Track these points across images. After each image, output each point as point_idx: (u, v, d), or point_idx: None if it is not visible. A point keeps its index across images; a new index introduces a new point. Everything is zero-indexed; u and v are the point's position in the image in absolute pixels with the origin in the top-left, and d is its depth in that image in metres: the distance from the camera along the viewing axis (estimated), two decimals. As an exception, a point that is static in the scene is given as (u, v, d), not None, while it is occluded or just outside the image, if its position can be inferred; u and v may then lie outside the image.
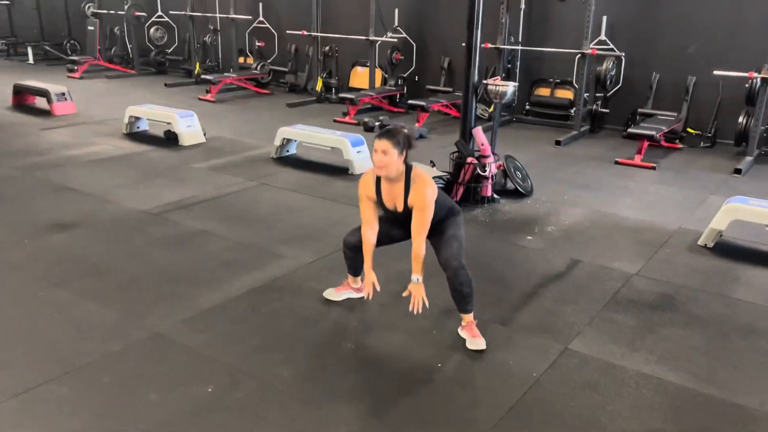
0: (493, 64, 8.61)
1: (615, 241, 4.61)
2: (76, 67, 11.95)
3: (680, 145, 7.54)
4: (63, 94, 8.54)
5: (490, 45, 8.25)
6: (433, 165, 5.41)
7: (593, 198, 5.60)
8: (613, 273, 4.07)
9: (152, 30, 12.58)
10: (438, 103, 8.61)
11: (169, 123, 7.14)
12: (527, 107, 8.92)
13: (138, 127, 7.61)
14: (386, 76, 9.93)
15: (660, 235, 4.73)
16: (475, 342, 3.15)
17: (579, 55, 7.92)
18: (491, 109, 8.55)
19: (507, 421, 2.65)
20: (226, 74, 10.65)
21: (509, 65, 8.75)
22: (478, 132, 5.26)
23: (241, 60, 11.50)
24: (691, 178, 6.29)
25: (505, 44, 8.41)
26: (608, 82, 7.99)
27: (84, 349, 3.08)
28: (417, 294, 3.10)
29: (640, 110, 7.92)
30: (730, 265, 4.23)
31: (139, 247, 4.33)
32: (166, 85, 11.11)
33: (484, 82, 5.45)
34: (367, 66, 9.83)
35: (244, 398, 2.75)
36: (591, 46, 7.75)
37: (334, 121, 8.56)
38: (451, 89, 9.32)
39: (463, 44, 5.25)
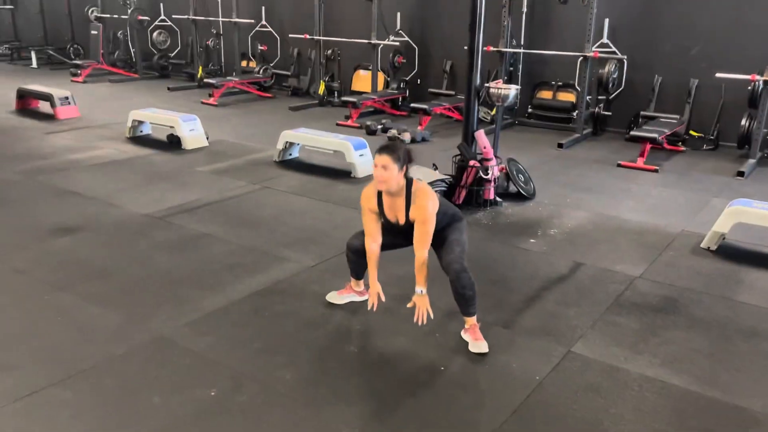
0: (495, 67, 8.63)
1: (618, 244, 4.61)
2: (79, 71, 12.00)
3: (683, 148, 7.53)
4: (66, 98, 8.57)
5: (492, 48, 8.26)
6: (436, 168, 5.42)
7: (596, 201, 5.59)
8: (616, 276, 4.07)
9: (155, 34, 12.62)
10: (440, 106, 8.61)
11: (172, 127, 7.15)
12: (529, 110, 8.92)
13: (141, 131, 7.62)
14: (388, 79, 9.95)
15: (663, 238, 4.72)
16: (478, 345, 3.15)
17: (581, 57, 7.92)
18: (493, 112, 8.56)
19: (510, 424, 2.65)
20: (228, 78, 10.67)
21: (511, 68, 8.76)
22: (481, 135, 5.26)
23: (243, 64, 11.53)
24: (694, 181, 6.29)
25: (507, 47, 8.43)
26: (610, 85, 7.99)
27: (87, 353, 3.09)
28: (421, 305, 3.12)
29: (642, 113, 7.92)
30: (733, 268, 4.22)
31: (143, 251, 4.34)
32: (169, 89, 11.14)
33: (487, 85, 5.45)
34: (370, 69, 9.84)
35: (246, 401, 2.75)
36: (593, 48, 7.75)
37: (337, 124, 8.58)
38: (453, 92, 9.32)
39: (465, 47, 5.26)
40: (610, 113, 8.27)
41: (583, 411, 2.73)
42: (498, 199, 5.41)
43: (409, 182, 3.07)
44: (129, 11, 12.14)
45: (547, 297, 3.77)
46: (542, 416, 2.70)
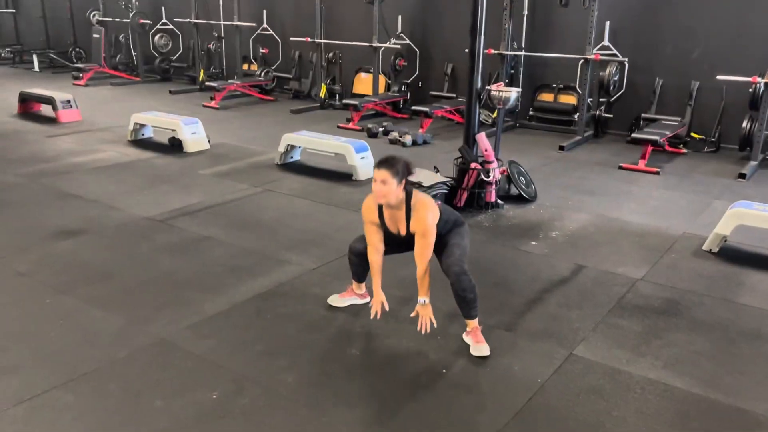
0: (497, 70, 8.63)
1: (619, 247, 4.61)
2: (81, 75, 12.02)
3: (684, 150, 7.53)
4: (68, 101, 8.59)
5: (493, 51, 8.26)
6: (437, 171, 5.42)
7: (597, 203, 5.59)
8: (617, 278, 4.07)
9: (157, 37, 12.65)
10: (441, 109, 8.63)
11: (173, 130, 7.17)
12: (530, 113, 8.91)
13: (143, 134, 7.64)
14: (390, 82, 9.96)
15: (665, 240, 4.72)
16: (479, 348, 3.15)
17: (582, 60, 7.93)
18: (494, 115, 8.57)
19: (512, 426, 2.65)
20: (230, 81, 10.68)
21: (512, 71, 8.77)
22: (482, 137, 5.26)
23: (245, 67, 11.55)
24: (696, 183, 6.29)
25: (508, 50, 8.43)
26: (611, 87, 7.99)
27: (89, 356, 3.09)
28: (424, 314, 3.13)
29: (643, 115, 7.92)
30: (735, 270, 4.22)
31: (144, 254, 4.35)
32: (170, 92, 11.16)
33: (488, 87, 5.45)
34: (371, 72, 9.85)
35: (248, 404, 2.75)
36: (594, 51, 7.75)
37: (338, 127, 8.59)
38: (454, 95, 9.33)
39: (467, 50, 5.27)
40: (611, 115, 8.28)
41: (585, 414, 2.73)
42: (499, 201, 5.41)
43: (408, 194, 3.09)
44: (131, 15, 12.17)
45: (548, 299, 3.77)
46: (544, 419, 2.70)
